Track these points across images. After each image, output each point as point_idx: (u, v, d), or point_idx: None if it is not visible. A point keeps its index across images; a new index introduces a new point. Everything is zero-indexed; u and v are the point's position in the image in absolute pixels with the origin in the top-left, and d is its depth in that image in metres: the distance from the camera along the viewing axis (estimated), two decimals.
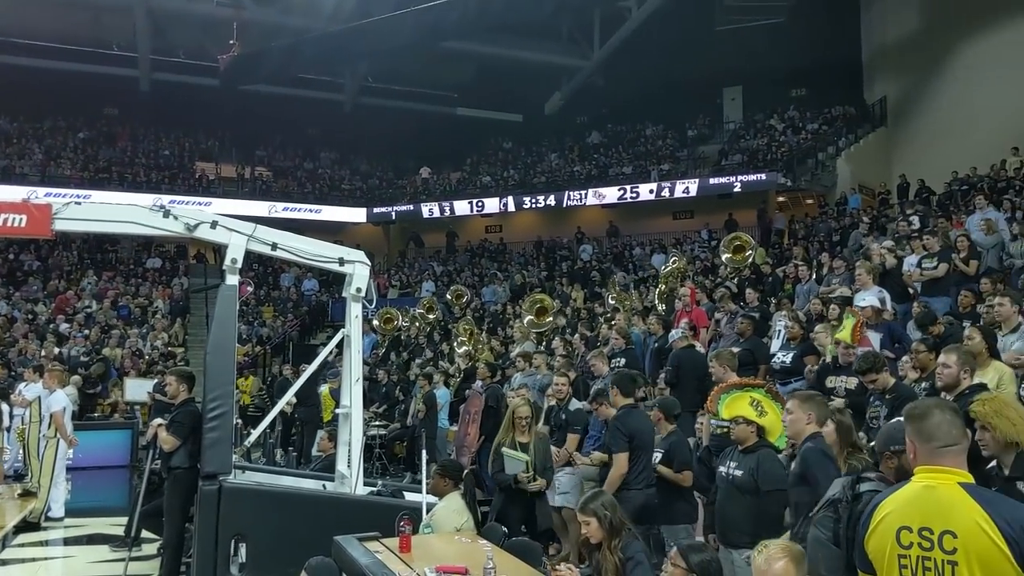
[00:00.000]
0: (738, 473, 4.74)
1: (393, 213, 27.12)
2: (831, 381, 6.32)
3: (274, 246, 6.25)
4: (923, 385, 5.30)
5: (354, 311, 6.43)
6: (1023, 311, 6.13)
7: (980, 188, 15.42)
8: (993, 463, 3.61)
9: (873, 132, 24.10)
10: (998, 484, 3.50)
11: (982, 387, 4.61)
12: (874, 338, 7.55)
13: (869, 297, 8.13)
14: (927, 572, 2.28)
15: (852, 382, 5.97)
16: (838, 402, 5.30)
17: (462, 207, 26.27)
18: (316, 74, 26.86)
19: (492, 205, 25.89)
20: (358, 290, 6.39)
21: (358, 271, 6.40)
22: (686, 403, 7.88)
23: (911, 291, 9.16)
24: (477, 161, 29.34)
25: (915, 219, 12.37)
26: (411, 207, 26.88)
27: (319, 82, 27.12)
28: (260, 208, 24.31)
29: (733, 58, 24.58)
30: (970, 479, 2.35)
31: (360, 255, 6.56)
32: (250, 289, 20.91)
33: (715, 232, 21.12)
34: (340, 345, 6.68)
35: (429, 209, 26.44)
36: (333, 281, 21.56)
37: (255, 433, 7.24)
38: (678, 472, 5.45)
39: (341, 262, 6.46)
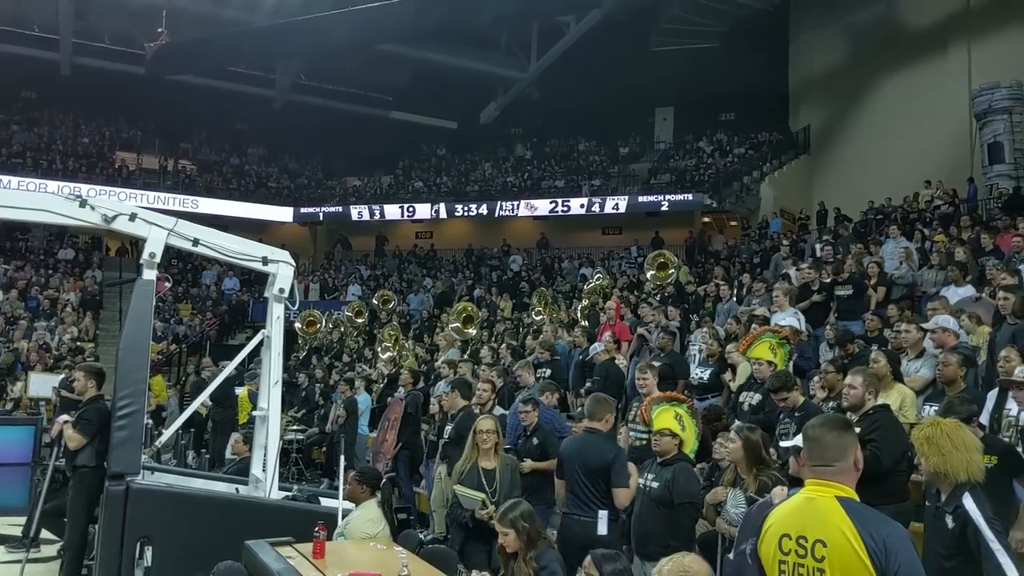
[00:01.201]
0: (654, 485, 4.85)
1: (321, 214, 26.73)
2: (743, 397, 6.52)
3: (196, 242, 6.07)
4: (830, 404, 5.52)
5: (276, 312, 6.31)
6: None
7: (894, 218, 16.14)
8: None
9: (796, 159, 25.01)
10: (933, 505, 3.49)
11: (885, 408, 4.83)
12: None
13: (787, 318, 8.44)
14: None
15: (756, 398, 6.17)
16: (738, 422, 5.45)
17: (392, 211, 26.07)
18: (247, 68, 26.26)
19: (423, 211, 25.79)
20: (281, 291, 6.27)
21: (282, 271, 6.28)
22: None
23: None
24: (409, 166, 29.19)
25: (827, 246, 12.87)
26: (340, 209, 26.56)
27: (250, 76, 26.50)
28: (182, 202, 23.63)
29: (666, 79, 25.15)
30: (850, 494, 2.49)
31: (285, 255, 6.44)
32: (168, 285, 20.26)
33: (643, 249, 21.54)
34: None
35: (358, 212, 26.15)
36: (255, 280, 21.09)
37: (166, 433, 7.02)
38: None
39: (265, 261, 6.33)
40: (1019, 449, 4.31)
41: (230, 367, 7.34)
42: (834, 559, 2.37)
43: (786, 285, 9.55)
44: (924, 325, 6.57)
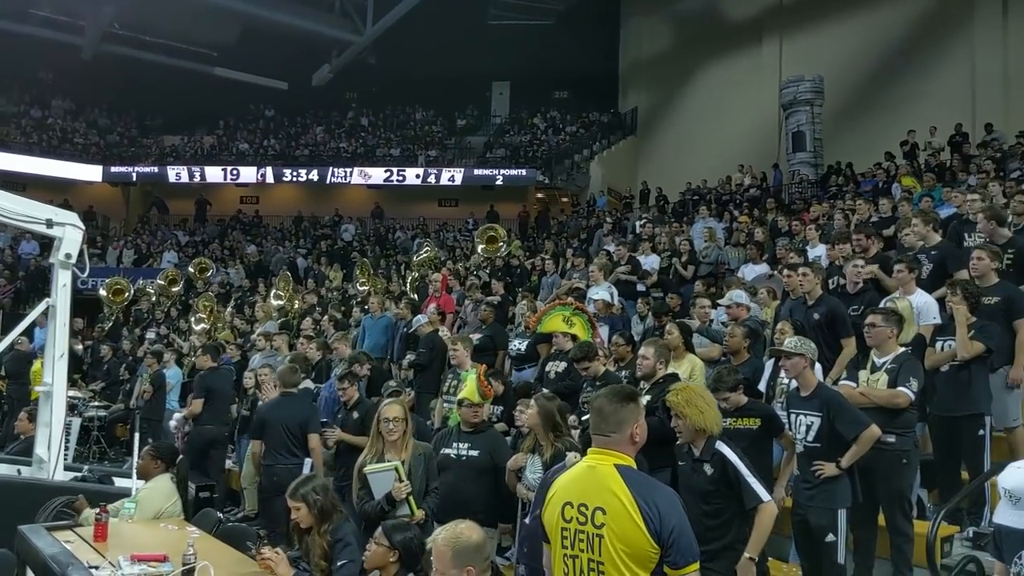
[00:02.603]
0: (473, 454, 4.86)
1: (134, 174, 24.93)
2: (549, 366, 6.74)
3: None
4: (624, 373, 5.81)
5: (61, 279, 5.80)
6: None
7: (708, 200, 17.19)
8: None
9: (624, 139, 26.08)
10: (688, 462, 3.96)
11: (675, 377, 5.14)
12: (603, 330, 8.18)
13: (601, 292, 8.79)
14: (580, 543, 2.51)
15: (561, 366, 6.41)
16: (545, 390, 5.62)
17: (215, 174, 24.71)
18: (52, 12, 23.74)
19: (249, 174, 24.61)
20: (68, 256, 5.77)
21: (69, 235, 5.78)
22: (433, 386, 8.07)
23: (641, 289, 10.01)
24: (235, 126, 27.70)
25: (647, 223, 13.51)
26: (156, 169, 24.90)
27: (55, 22, 23.93)
28: None
29: (503, 54, 25.35)
30: (627, 461, 2.59)
31: (72, 217, 5.92)
32: None
33: (479, 221, 21.68)
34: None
35: (176, 173, 24.60)
36: None
37: None
38: None
39: (49, 224, 5.79)
40: (781, 412, 4.72)
41: (9, 339, 6.68)
42: (612, 525, 2.44)
43: (602, 260, 9.95)
44: (719, 300, 7.05)
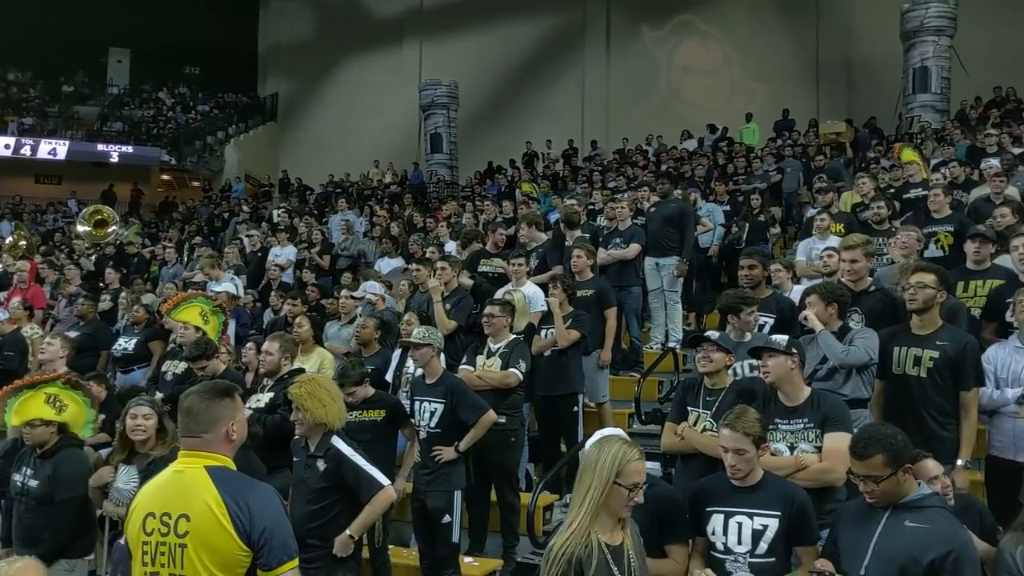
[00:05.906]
0: (33, 483, 4.08)
1: None
2: (166, 366, 6.06)
3: None
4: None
5: None
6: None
7: (350, 193, 17.14)
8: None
9: (263, 125, 25.02)
10: (303, 458, 3.68)
11: (300, 371, 4.91)
12: (230, 323, 7.60)
13: (225, 284, 8.17)
14: (161, 557, 2.26)
15: (182, 367, 5.81)
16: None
17: None
18: None
19: None
20: None
21: None
22: None
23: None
24: None
25: (283, 213, 13.12)
26: None
27: None
28: None
29: (124, 17, 22.85)
30: (222, 462, 2.35)
31: None
32: None
33: (85, 202, 19.11)
34: None
35: None
36: None
37: None
38: None
39: None
40: (407, 401, 4.77)
41: None
42: (197, 532, 2.23)
43: (226, 252, 9.41)
44: (353, 294, 7.02)
